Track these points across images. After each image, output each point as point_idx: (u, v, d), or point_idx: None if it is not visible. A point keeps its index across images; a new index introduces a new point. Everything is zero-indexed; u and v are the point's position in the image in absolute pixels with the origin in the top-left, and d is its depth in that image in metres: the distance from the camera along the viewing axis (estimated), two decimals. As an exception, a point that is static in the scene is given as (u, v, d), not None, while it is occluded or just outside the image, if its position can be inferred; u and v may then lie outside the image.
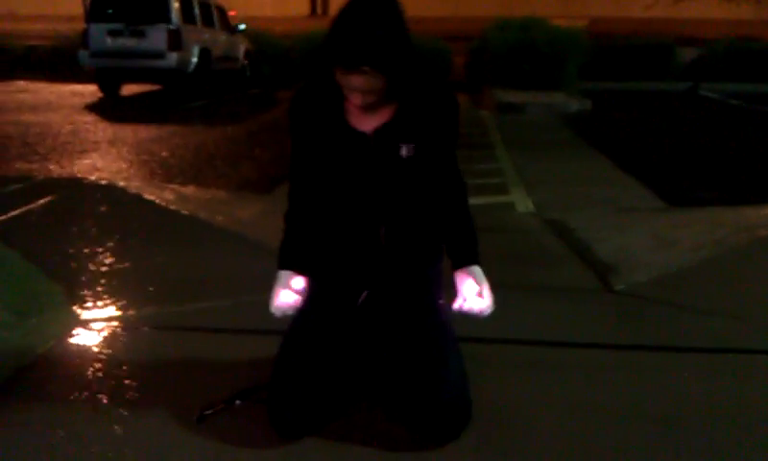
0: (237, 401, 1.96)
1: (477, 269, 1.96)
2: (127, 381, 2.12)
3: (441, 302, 2.05)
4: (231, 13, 14.16)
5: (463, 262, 1.97)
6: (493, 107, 10.43)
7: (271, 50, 15.84)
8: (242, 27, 14.47)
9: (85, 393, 2.06)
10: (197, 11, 12.15)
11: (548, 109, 10.23)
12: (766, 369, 2.27)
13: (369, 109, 1.83)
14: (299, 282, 1.99)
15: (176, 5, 11.35)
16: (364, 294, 2.00)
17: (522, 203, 4.72)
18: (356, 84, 1.72)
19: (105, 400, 2.02)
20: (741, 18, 18.30)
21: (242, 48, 14.54)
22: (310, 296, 2.05)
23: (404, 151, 1.88)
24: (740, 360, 2.32)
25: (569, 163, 6.31)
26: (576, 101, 10.83)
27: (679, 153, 7.01)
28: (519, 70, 12.21)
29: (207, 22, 12.61)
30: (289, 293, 1.97)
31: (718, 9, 17.98)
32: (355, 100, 1.77)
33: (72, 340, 2.41)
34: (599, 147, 7.01)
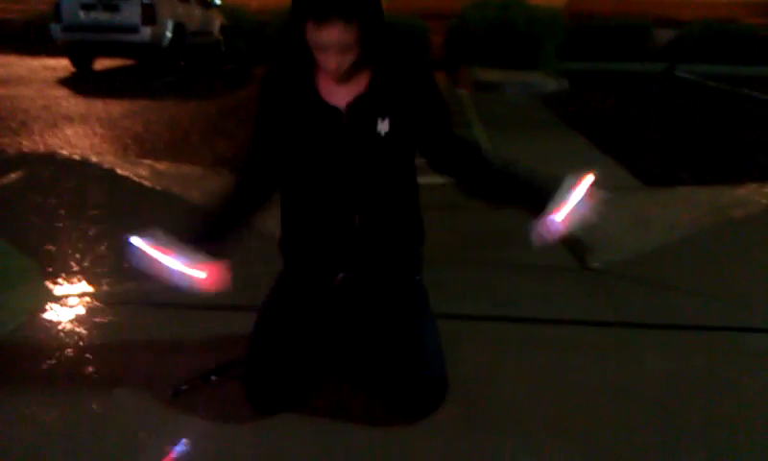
0: (213, 377, 1.94)
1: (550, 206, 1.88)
2: (100, 357, 2.09)
3: (418, 279, 2.04)
4: None
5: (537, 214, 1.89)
6: (471, 85, 10.40)
7: (246, 25, 15.61)
8: (218, 1, 14.28)
9: (58, 369, 2.03)
10: (172, -16, 11.94)
11: (525, 88, 10.22)
12: (740, 346, 2.29)
13: (342, 77, 1.77)
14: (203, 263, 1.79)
15: (150, -22, 11.14)
16: (340, 276, 1.98)
17: (499, 181, 4.71)
18: (328, 39, 1.65)
19: (78, 377, 1.99)
20: (718, 0, 18.40)
21: (217, 23, 14.33)
22: (284, 274, 2.03)
23: (379, 126, 1.83)
24: (715, 337, 2.35)
25: (546, 143, 6.30)
26: (553, 81, 10.83)
27: (655, 133, 7.04)
28: (497, 49, 12.18)
29: (182, -4, 12.41)
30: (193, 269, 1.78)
31: (695, -10, 18.11)
32: (329, 63, 1.71)
33: (44, 316, 2.38)
34: (576, 127, 7.02)
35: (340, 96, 1.83)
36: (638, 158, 5.54)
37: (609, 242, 3.22)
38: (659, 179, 4.87)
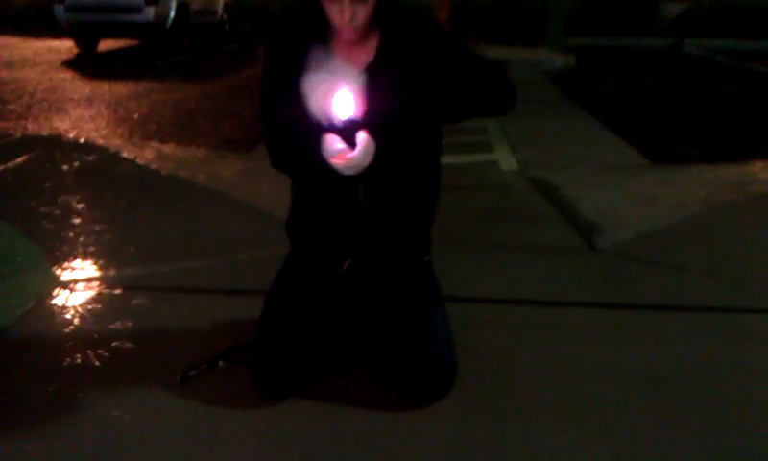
0: (220, 362, 1.94)
1: None
2: (108, 342, 2.09)
3: (427, 260, 2.02)
4: None
5: None
6: (477, 63, 10.33)
7: (250, 4, 15.54)
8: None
9: (65, 355, 2.03)
10: (175, -37, 11.85)
11: (532, 65, 10.15)
12: (748, 327, 2.28)
13: (357, 37, 1.71)
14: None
15: (153, -43, 11.06)
16: (347, 262, 1.95)
17: (506, 161, 4.69)
18: None
19: (85, 362, 1.99)
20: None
21: (221, 2, 14.22)
22: (292, 259, 2.02)
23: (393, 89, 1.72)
24: (724, 318, 2.33)
25: (553, 121, 6.27)
26: (560, 57, 10.76)
27: (663, 110, 6.99)
28: (503, 25, 12.10)
29: (186, -25, 12.32)
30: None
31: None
32: (344, 14, 1.64)
33: (52, 301, 2.38)
34: (583, 104, 6.98)
35: (354, 60, 1.76)
36: (646, 136, 5.50)
37: (617, 222, 3.20)
38: (666, 157, 4.85)
